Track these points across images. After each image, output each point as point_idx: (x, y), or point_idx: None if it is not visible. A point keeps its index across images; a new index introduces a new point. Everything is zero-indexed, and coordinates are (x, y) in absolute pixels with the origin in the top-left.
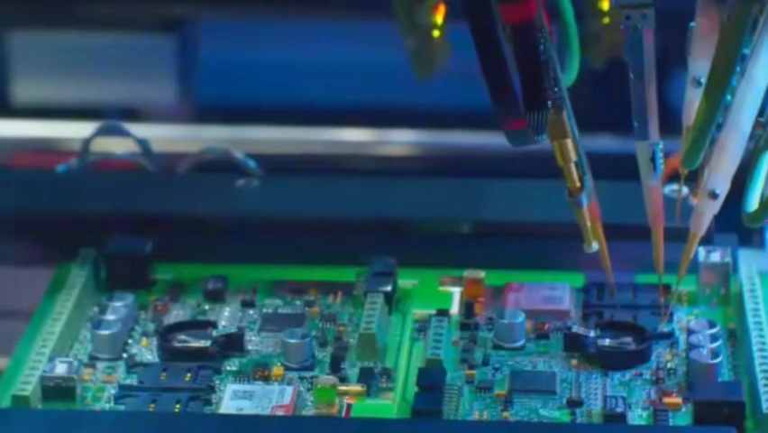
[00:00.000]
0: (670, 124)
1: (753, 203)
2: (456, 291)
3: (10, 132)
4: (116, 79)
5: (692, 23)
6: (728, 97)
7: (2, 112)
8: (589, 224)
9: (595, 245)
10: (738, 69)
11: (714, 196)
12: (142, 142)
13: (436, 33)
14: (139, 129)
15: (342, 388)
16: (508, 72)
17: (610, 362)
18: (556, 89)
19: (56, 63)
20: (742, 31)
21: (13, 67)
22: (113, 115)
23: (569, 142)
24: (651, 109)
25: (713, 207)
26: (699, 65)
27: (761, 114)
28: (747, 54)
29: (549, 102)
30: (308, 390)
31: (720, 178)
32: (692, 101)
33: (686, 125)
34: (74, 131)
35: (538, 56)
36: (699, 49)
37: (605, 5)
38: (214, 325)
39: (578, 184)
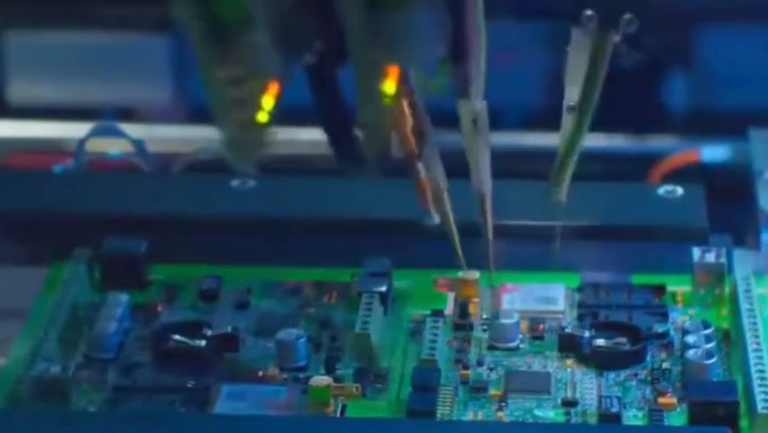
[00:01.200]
0: (667, 123)
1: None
2: (451, 292)
3: (5, 132)
4: (112, 80)
5: (568, 47)
6: None
7: None
8: (430, 195)
9: (436, 217)
10: None
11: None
12: (137, 143)
13: (263, 117)
14: (134, 129)
15: (337, 388)
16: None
17: (605, 362)
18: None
19: (51, 64)
20: (603, 58)
21: (9, 67)
22: (108, 116)
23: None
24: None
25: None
26: (575, 91)
27: None
28: None
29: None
30: (303, 390)
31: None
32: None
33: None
34: (69, 131)
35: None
36: (573, 75)
37: (390, 89)
38: (208, 325)
39: (414, 148)
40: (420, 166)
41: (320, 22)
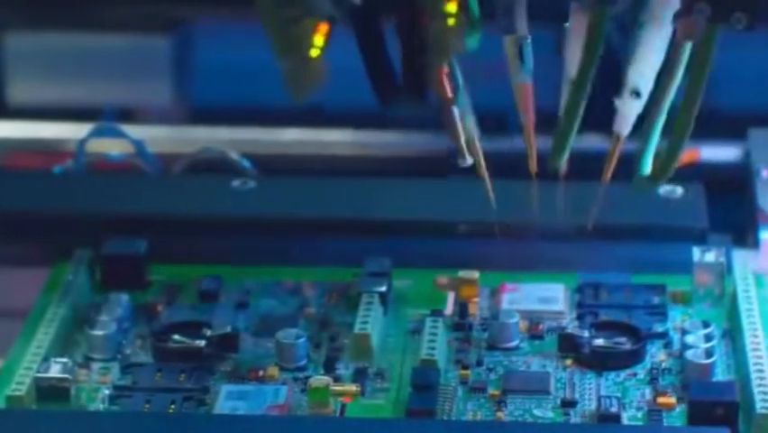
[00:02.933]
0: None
1: (648, 165)
2: (451, 292)
3: (6, 133)
4: (112, 81)
5: (566, 24)
6: None
7: None
8: (463, 139)
9: (469, 159)
10: None
11: (637, 94)
12: (138, 144)
13: (315, 53)
14: (135, 130)
15: (337, 388)
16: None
17: (604, 362)
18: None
19: (52, 64)
20: (599, 32)
21: (9, 68)
22: (109, 117)
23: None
24: (518, 2)
25: (636, 107)
26: (574, 66)
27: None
28: None
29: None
30: (303, 390)
31: (643, 75)
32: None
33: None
34: (70, 132)
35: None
36: (572, 49)
37: (452, 7)
38: (208, 325)
39: (449, 94)
40: (455, 110)
41: None
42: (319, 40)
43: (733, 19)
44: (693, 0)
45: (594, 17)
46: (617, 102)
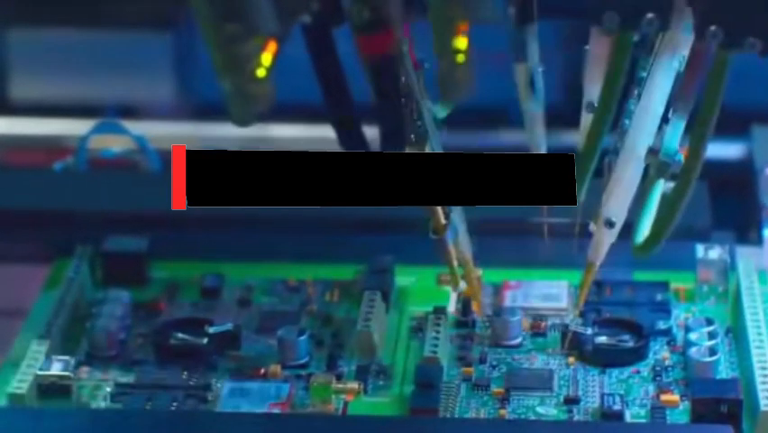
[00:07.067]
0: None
1: (643, 234)
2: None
3: (7, 129)
4: (114, 77)
5: (587, 46)
6: (626, 122)
7: None
8: (456, 263)
9: (462, 285)
10: (636, 92)
11: (611, 224)
12: (140, 140)
13: (262, 73)
14: (136, 126)
15: (339, 386)
16: (351, 106)
17: (608, 359)
18: (419, 123)
19: (53, 61)
20: (623, 58)
21: (11, 64)
22: (110, 113)
23: None
24: (530, 30)
25: (610, 236)
26: (594, 89)
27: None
28: (644, 77)
29: (411, 137)
30: (305, 388)
31: (617, 206)
32: (587, 125)
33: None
34: (71, 129)
35: (396, 90)
36: (592, 73)
37: (461, 44)
38: (210, 322)
39: (443, 221)
40: (447, 238)
41: None
42: (267, 59)
43: (747, 44)
44: (705, 25)
45: (619, 43)
46: (592, 228)
